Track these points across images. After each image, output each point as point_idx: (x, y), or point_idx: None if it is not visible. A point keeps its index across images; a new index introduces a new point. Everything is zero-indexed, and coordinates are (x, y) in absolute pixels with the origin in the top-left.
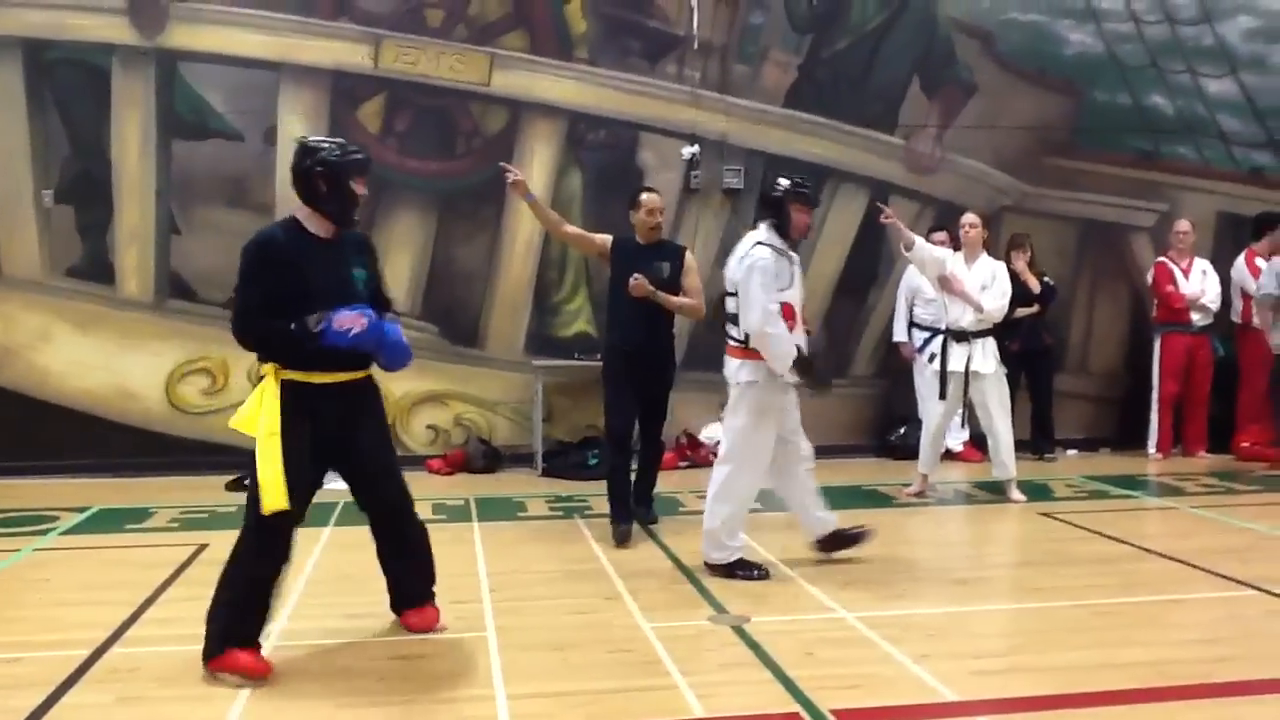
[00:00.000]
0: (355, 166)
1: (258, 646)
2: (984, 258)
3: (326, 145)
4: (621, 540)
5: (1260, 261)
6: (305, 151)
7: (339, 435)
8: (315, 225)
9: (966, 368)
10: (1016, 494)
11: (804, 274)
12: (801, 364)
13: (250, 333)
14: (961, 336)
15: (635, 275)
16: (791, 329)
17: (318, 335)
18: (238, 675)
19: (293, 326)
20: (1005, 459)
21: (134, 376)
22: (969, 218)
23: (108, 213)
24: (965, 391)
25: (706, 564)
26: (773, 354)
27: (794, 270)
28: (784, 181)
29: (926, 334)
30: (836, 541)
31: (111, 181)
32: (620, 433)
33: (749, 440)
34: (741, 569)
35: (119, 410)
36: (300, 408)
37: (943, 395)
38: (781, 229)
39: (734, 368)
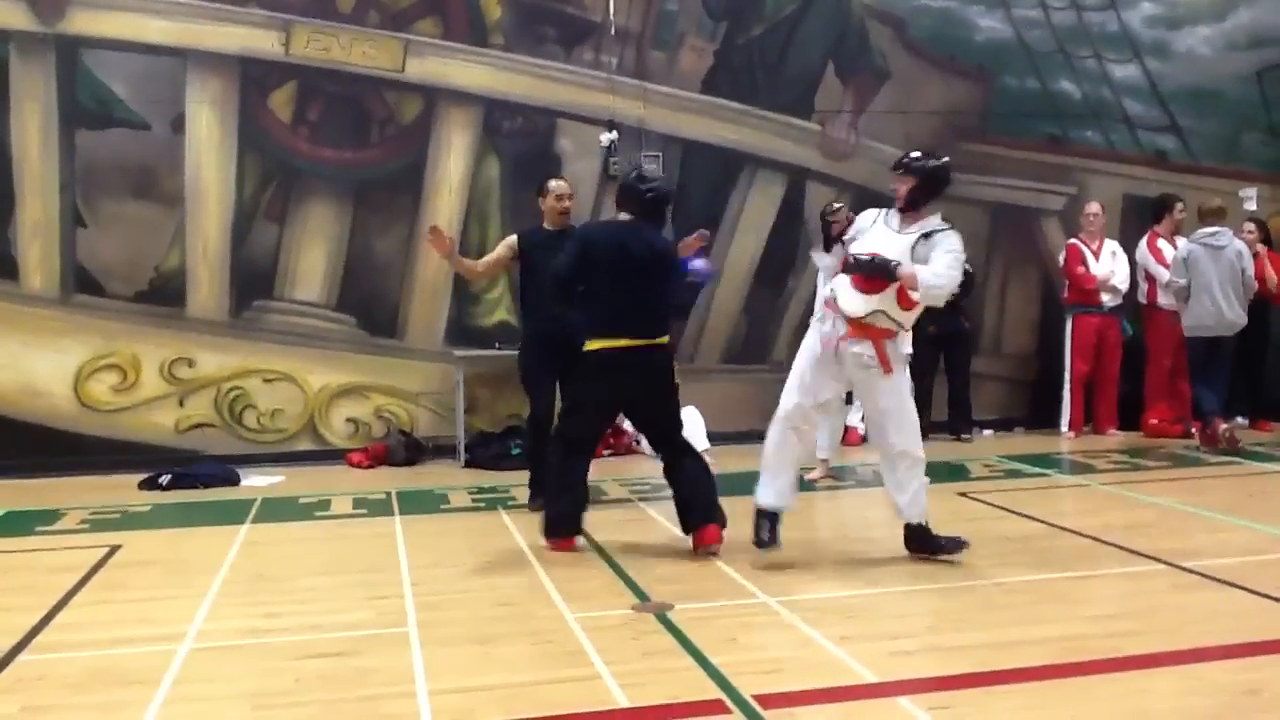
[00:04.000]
0: None
1: None
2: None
3: None
4: (534, 509)
5: (1163, 244)
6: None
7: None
8: None
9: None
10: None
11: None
12: None
13: None
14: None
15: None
16: None
17: None
18: None
19: None
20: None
21: (40, 374)
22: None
23: (8, 206)
24: None
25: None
26: None
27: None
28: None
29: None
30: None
31: (12, 174)
32: (547, 420)
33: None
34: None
35: (25, 409)
36: None
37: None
38: None
39: None
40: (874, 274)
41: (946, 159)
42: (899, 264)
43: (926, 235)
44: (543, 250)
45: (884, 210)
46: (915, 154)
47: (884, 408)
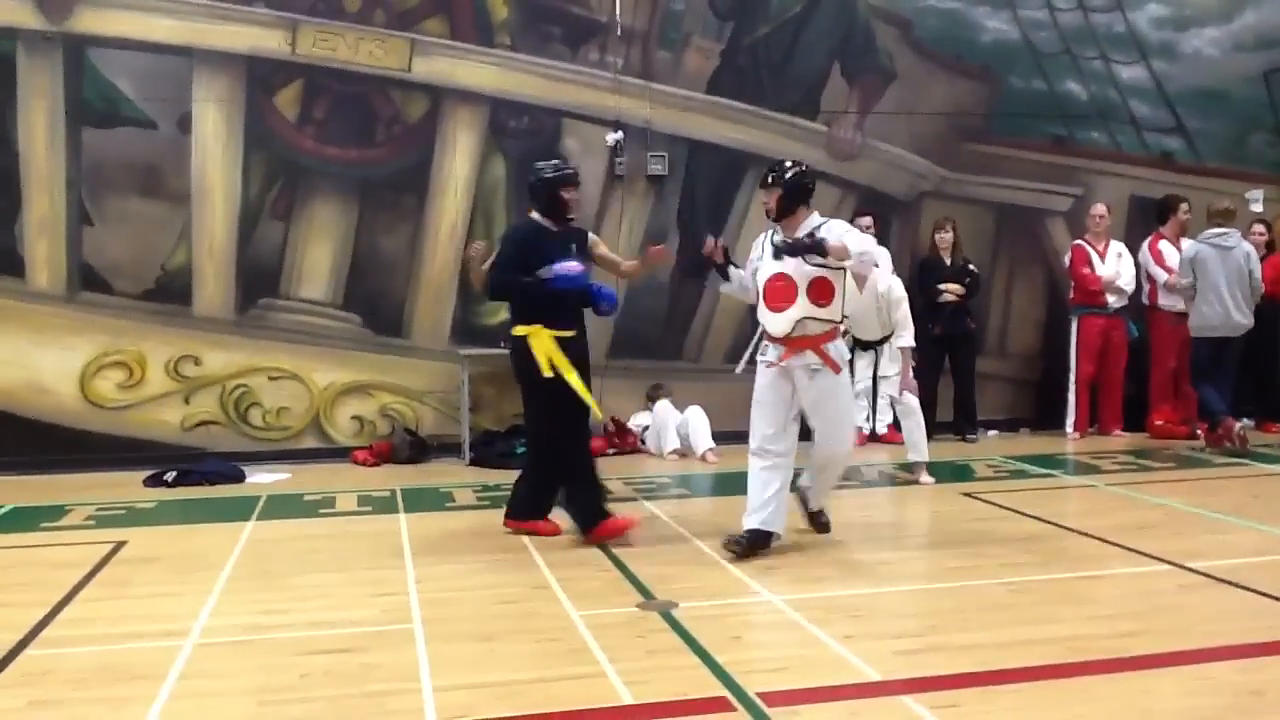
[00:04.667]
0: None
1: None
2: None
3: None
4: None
5: (1165, 245)
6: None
7: None
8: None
9: (874, 375)
10: (926, 476)
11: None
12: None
13: None
14: (866, 346)
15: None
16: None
17: None
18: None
19: None
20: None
21: (46, 371)
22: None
23: (15, 204)
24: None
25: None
26: None
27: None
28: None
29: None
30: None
31: (19, 172)
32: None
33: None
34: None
35: (31, 406)
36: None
37: None
38: None
39: None
40: (806, 251)
41: (806, 166)
42: (824, 239)
43: (811, 235)
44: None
45: (767, 233)
46: (778, 166)
47: (832, 414)
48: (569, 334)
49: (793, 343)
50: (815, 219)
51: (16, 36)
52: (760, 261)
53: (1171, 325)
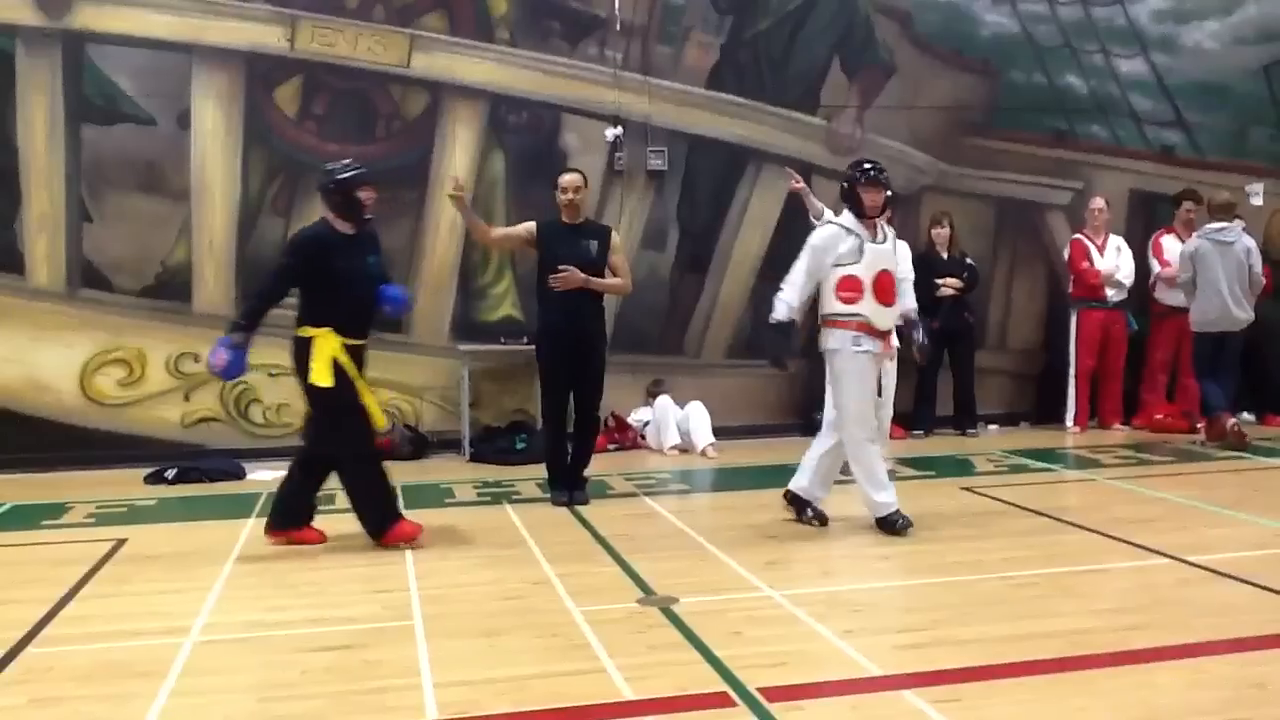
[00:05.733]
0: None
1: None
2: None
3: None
4: (557, 503)
5: (1168, 240)
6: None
7: None
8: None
9: None
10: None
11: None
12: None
13: None
14: None
15: (562, 267)
16: (853, 300)
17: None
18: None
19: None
20: (884, 429)
21: (46, 368)
22: None
23: (15, 201)
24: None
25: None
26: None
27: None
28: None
29: None
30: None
31: (18, 168)
32: (559, 414)
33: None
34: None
35: (32, 403)
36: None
37: None
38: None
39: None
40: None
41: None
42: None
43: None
44: (558, 242)
45: (843, 228)
46: (879, 166)
47: (889, 401)
48: (359, 342)
49: (888, 334)
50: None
51: (16, 33)
52: (856, 254)
53: (1165, 318)
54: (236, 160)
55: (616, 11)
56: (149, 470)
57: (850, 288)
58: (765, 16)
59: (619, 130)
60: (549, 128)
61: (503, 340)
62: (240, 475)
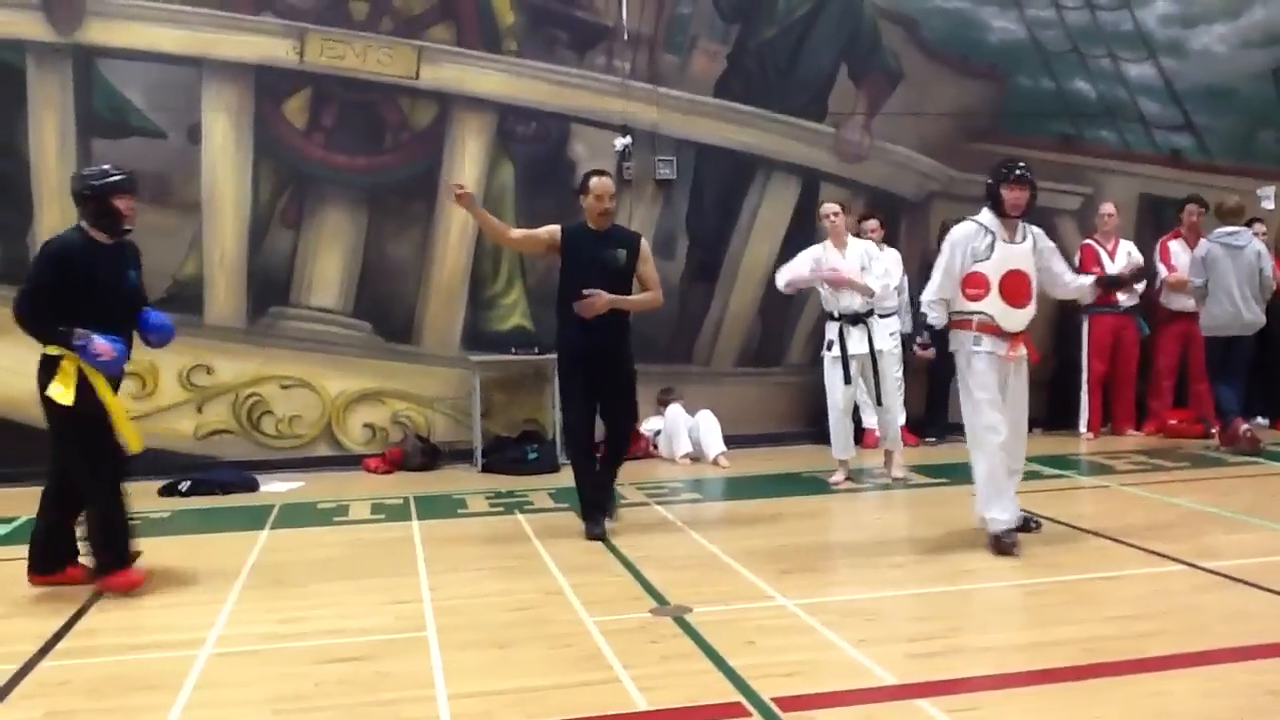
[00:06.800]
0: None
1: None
2: (852, 241)
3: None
4: (594, 537)
5: (1175, 244)
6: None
7: None
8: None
9: (871, 349)
10: (899, 470)
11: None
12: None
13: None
14: (855, 319)
15: (587, 291)
16: (977, 298)
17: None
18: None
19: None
20: (896, 435)
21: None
22: (830, 207)
23: (27, 214)
24: (875, 371)
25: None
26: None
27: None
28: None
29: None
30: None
31: (30, 182)
32: (580, 430)
33: (967, 407)
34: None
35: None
36: None
37: (847, 380)
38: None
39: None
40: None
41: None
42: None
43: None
44: (584, 249)
45: (981, 224)
46: (1023, 165)
47: (1023, 406)
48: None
49: (1017, 338)
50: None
51: (27, 48)
52: (988, 252)
53: (1172, 324)
54: (246, 173)
55: (623, 21)
56: (163, 483)
57: (976, 284)
58: (771, 24)
59: (627, 139)
60: (557, 138)
61: (514, 350)
62: (253, 487)
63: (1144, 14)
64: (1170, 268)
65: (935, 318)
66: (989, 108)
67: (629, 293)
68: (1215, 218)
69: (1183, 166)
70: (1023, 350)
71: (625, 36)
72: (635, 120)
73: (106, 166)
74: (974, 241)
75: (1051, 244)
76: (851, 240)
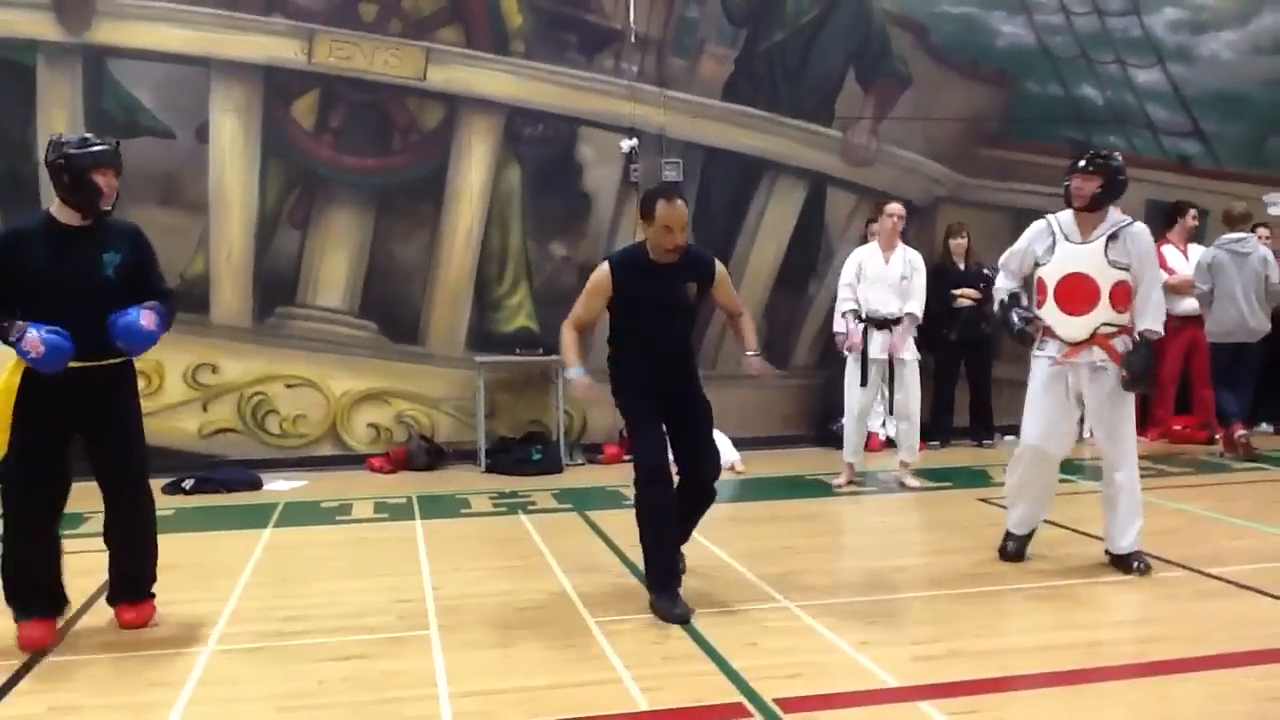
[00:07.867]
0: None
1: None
2: (900, 248)
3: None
4: (679, 619)
5: (1169, 250)
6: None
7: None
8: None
9: (890, 355)
10: (912, 480)
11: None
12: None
13: None
14: (882, 324)
15: (750, 354)
16: (1038, 304)
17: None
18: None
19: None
20: (914, 445)
21: None
22: (896, 207)
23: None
24: (890, 378)
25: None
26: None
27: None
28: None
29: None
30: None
31: (39, 181)
32: (659, 456)
33: (1027, 409)
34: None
35: None
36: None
37: (863, 382)
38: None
39: None
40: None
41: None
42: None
43: (1114, 235)
44: (644, 285)
45: (1049, 222)
46: (1101, 152)
47: (1113, 419)
48: (85, 364)
49: (1083, 343)
50: (1116, 216)
51: (37, 48)
52: (1049, 254)
53: (1177, 329)
54: (254, 173)
55: (632, 24)
56: (167, 480)
57: (1038, 290)
58: (780, 28)
59: (634, 142)
60: (565, 140)
61: (518, 351)
62: (257, 486)
63: (1152, 20)
64: (1168, 270)
65: (1000, 285)
66: (997, 113)
67: (694, 325)
68: (1222, 224)
69: (1191, 173)
70: (1086, 355)
71: (633, 39)
72: (643, 123)
73: (88, 135)
74: (1035, 243)
75: (1153, 257)
76: (900, 247)
